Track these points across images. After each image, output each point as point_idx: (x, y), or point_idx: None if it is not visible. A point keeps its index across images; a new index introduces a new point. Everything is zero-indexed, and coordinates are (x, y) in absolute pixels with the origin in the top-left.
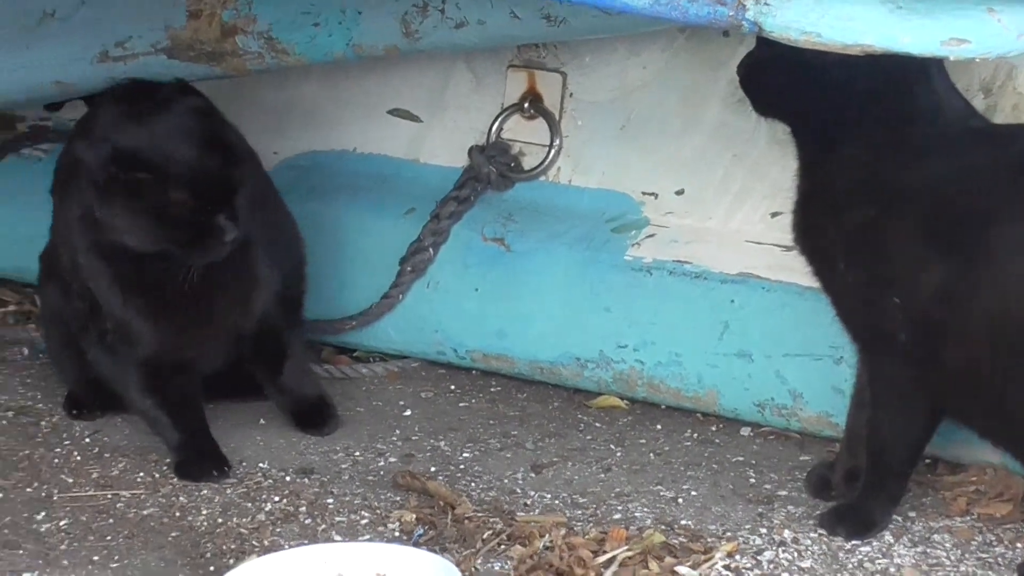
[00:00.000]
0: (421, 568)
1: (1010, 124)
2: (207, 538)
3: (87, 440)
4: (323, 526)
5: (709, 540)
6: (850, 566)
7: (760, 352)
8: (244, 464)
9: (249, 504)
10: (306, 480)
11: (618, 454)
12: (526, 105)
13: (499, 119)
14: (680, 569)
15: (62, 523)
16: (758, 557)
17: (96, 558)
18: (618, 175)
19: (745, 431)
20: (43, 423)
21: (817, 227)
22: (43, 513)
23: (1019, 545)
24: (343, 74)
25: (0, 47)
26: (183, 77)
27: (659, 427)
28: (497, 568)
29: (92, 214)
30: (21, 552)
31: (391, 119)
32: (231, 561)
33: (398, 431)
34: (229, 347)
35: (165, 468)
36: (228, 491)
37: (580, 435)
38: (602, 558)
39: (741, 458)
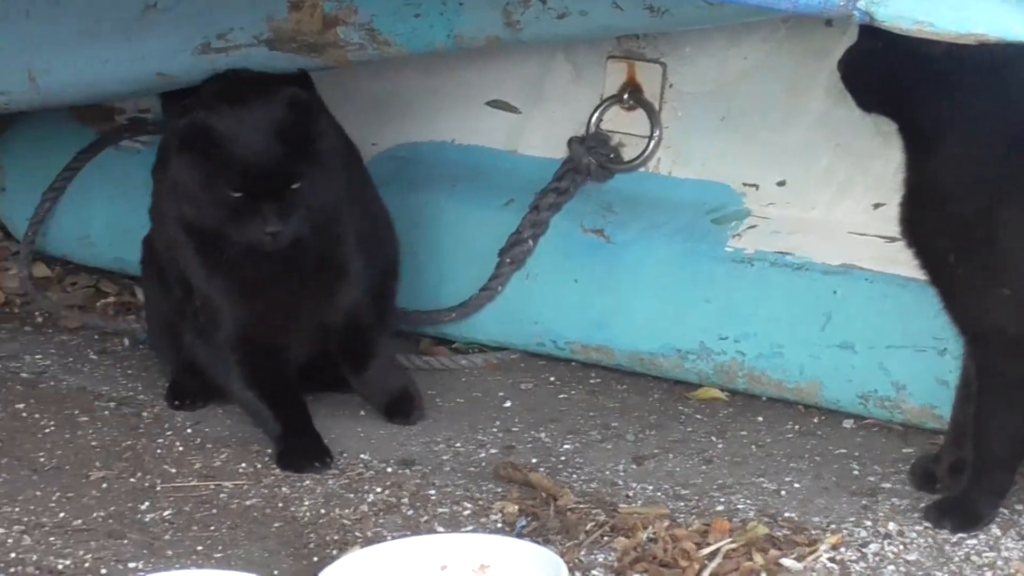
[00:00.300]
0: (525, 559)
1: None
2: (310, 529)
3: (189, 431)
4: (425, 517)
5: (813, 532)
6: (957, 559)
7: (863, 343)
8: (345, 455)
9: (351, 495)
10: (408, 471)
11: (719, 446)
12: (626, 96)
13: (599, 110)
14: (785, 561)
15: (166, 513)
16: (863, 550)
17: (200, 548)
18: (719, 166)
19: (847, 423)
20: (145, 414)
21: (926, 220)
22: (147, 503)
23: None
24: (441, 65)
25: (103, 39)
26: (285, 68)
27: (760, 419)
28: (601, 560)
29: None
30: (126, 542)
31: (490, 110)
32: (334, 552)
33: (498, 422)
34: (318, 339)
35: (267, 459)
36: (330, 482)
37: (681, 427)
38: (706, 550)
39: (844, 450)
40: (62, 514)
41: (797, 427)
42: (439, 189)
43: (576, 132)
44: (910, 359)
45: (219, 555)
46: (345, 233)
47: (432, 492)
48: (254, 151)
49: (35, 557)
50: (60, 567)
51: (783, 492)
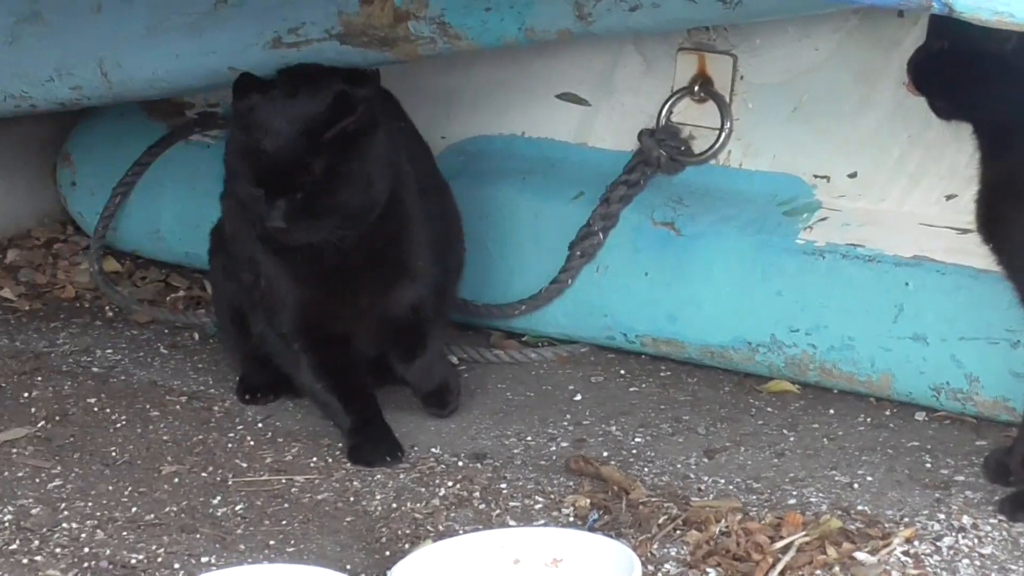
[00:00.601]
0: (598, 553)
1: None
2: (382, 523)
3: (260, 425)
4: (497, 511)
5: (887, 526)
6: None
7: (935, 335)
8: (416, 449)
9: (423, 489)
10: (479, 465)
11: (791, 439)
12: (696, 88)
13: (669, 102)
14: (858, 555)
15: (238, 507)
16: (937, 543)
17: (272, 543)
18: (790, 158)
19: (920, 415)
20: (215, 408)
21: (1003, 217)
22: (219, 497)
23: None
24: (510, 58)
25: (174, 33)
26: (356, 63)
27: (832, 412)
28: (673, 553)
29: None
30: (198, 536)
31: (559, 103)
32: (406, 546)
33: (569, 416)
34: (384, 332)
35: (338, 453)
36: (401, 476)
37: (752, 420)
38: (779, 544)
39: (916, 443)
40: (134, 509)
41: (869, 420)
42: (509, 182)
43: (646, 124)
44: (983, 351)
45: (291, 549)
46: (411, 231)
47: (503, 486)
48: (275, 145)
49: (108, 552)
50: (133, 562)
51: (856, 485)
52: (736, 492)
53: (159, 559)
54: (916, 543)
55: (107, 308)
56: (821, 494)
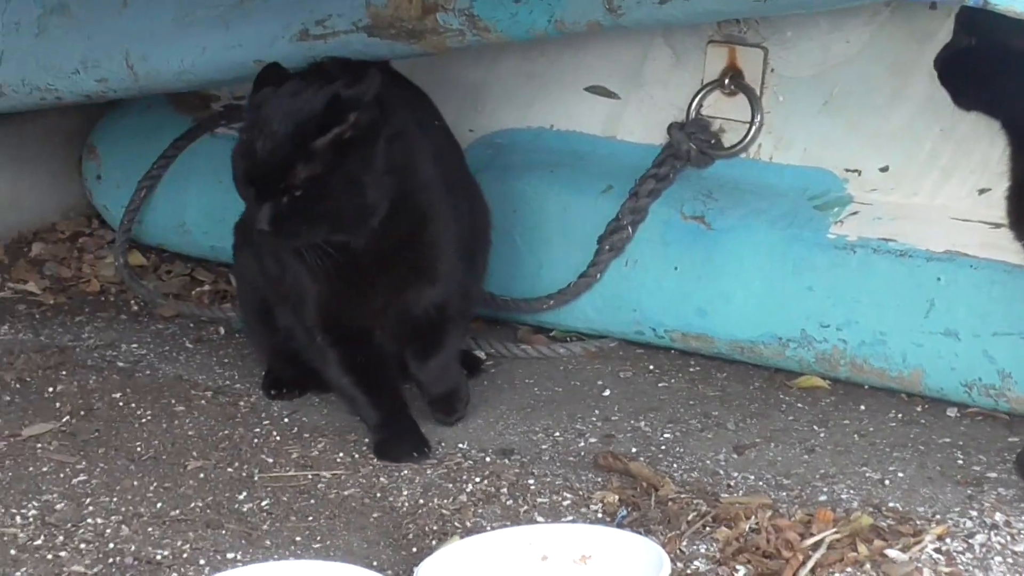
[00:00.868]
0: (627, 550)
1: None
2: (409, 519)
3: (286, 420)
4: (525, 507)
5: (918, 523)
6: None
7: (967, 331)
8: (443, 444)
9: (450, 485)
10: (506, 461)
11: (822, 435)
12: (726, 81)
13: (699, 95)
14: (890, 552)
15: (263, 503)
16: (970, 540)
17: (298, 539)
18: (821, 152)
19: (951, 412)
20: (241, 403)
21: None
22: (244, 493)
23: None
24: (539, 51)
25: (201, 26)
26: (384, 55)
27: (863, 407)
28: (703, 550)
29: None
30: (224, 532)
31: (588, 96)
32: (433, 542)
33: (597, 411)
34: (403, 329)
35: (364, 448)
36: (428, 472)
37: (782, 416)
38: (809, 541)
39: (948, 439)
40: (160, 504)
41: (900, 416)
42: (537, 175)
43: (676, 118)
44: (1016, 347)
45: (318, 545)
46: (432, 232)
47: (531, 482)
48: (265, 147)
49: (133, 547)
50: (158, 557)
51: (887, 482)
52: (766, 488)
53: (184, 555)
54: (948, 540)
55: (132, 302)
56: (852, 491)
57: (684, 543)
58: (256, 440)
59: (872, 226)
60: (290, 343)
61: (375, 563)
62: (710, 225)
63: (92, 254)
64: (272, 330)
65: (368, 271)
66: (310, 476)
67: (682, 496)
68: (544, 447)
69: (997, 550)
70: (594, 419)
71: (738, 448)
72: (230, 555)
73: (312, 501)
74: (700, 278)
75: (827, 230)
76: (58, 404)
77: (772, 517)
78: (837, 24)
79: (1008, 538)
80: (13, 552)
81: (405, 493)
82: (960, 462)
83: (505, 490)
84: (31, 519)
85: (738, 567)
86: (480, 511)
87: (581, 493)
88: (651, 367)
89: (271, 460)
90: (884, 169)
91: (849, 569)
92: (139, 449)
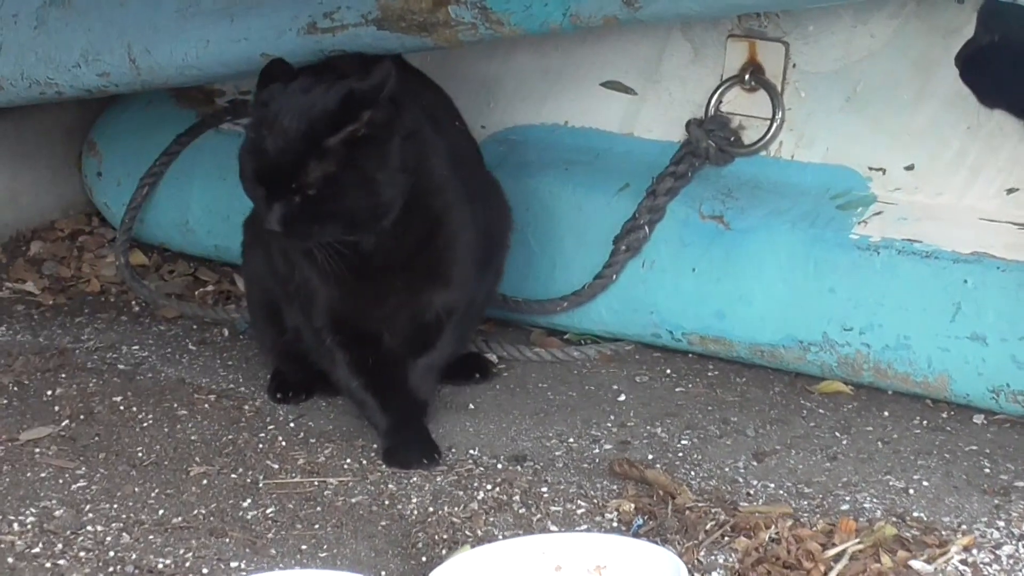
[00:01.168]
0: (643, 560)
1: None
2: (418, 527)
3: (291, 425)
4: (538, 515)
5: (944, 533)
6: None
7: (995, 335)
8: (454, 451)
9: (461, 492)
10: (519, 467)
11: (844, 442)
12: (747, 76)
13: (718, 91)
14: (914, 564)
15: (268, 510)
16: (997, 552)
17: (304, 547)
18: (844, 149)
19: (978, 418)
20: (246, 407)
21: None
22: (249, 500)
23: None
24: (553, 45)
25: (205, 18)
26: (394, 49)
27: (886, 414)
28: (721, 560)
29: None
30: (227, 540)
31: (604, 91)
32: (444, 551)
33: (612, 417)
34: (414, 332)
35: (372, 454)
36: (439, 479)
37: (803, 422)
38: (831, 551)
39: (975, 447)
40: (161, 511)
41: (925, 422)
42: (551, 173)
43: (695, 114)
44: None
45: (324, 554)
46: (444, 235)
47: (544, 489)
48: (276, 145)
49: (134, 556)
50: (160, 566)
51: (911, 491)
52: (787, 497)
53: (187, 563)
54: (974, 551)
55: (134, 303)
56: (875, 500)
57: (702, 553)
58: (261, 445)
59: (896, 226)
60: (298, 344)
61: (383, 573)
62: (729, 225)
63: (92, 253)
64: (280, 331)
65: (378, 273)
66: (316, 483)
67: (700, 505)
68: (558, 454)
69: None
70: (609, 425)
71: (758, 455)
72: (234, 564)
73: (319, 508)
74: (719, 279)
75: (850, 230)
76: (57, 408)
77: (793, 527)
78: (861, 18)
79: None
80: (11, 560)
81: (414, 500)
82: (987, 471)
83: (517, 498)
84: (29, 526)
85: None
86: (492, 519)
87: (596, 501)
88: (668, 371)
89: (276, 466)
90: (909, 167)
91: None
92: (140, 454)
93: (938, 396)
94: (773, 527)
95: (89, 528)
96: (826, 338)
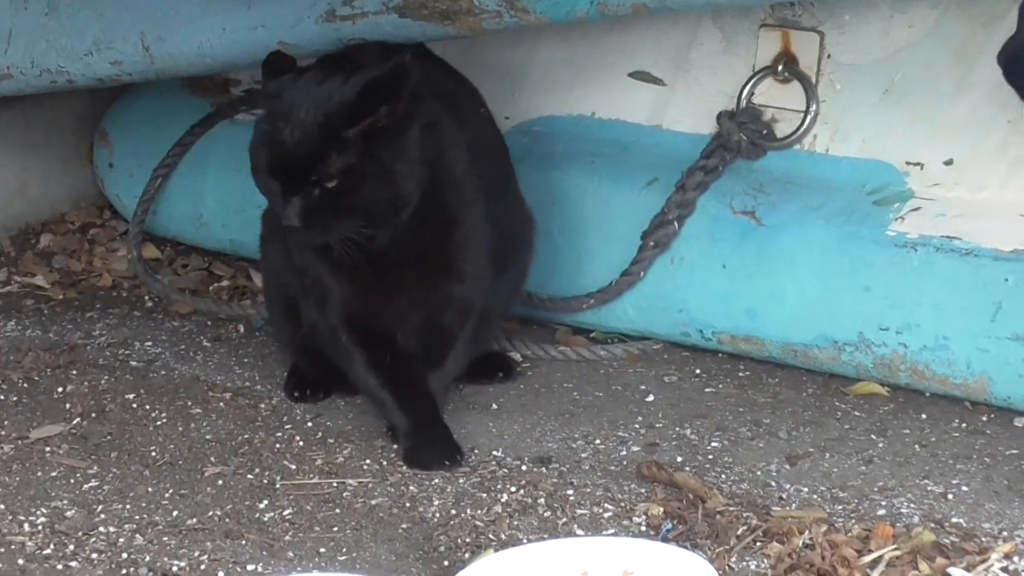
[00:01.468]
0: (672, 565)
1: None
2: (440, 530)
3: (309, 424)
4: (564, 519)
5: (984, 540)
6: None
7: None
8: (477, 452)
9: (484, 495)
10: (544, 469)
11: (880, 445)
12: (780, 67)
13: (750, 83)
14: (953, 571)
15: (286, 512)
16: None
17: (323, 550)
18: (880, 143)
19: (1019, 421)
20: (262, 406)
21: None
22: (265, 501)
23: None
24: (579, 34)
25: (221, 6)
26: (415, 37)
27: (924, 416)
28: (753, 567)
29: None
30: (244, 543)
31: (632, 82)
32: (466, 556)
33: (640, 418)
34: (428, 332)
35: (393, 455)
36: (461, 481)
37: (838, 424)
38: (867, 558)
39: (1015, 451)
40: (176, 512)
41: (964, 425)
42: (577, 166)
43: (726, 106)
44: None
45: (343, 558)
46: (458, 231)
47: (570, 492)
48: (294, 137)
49: (148, 558)
50: (174, 569)
51: (950, 495)
52: (821, 502)
53: (202, 566)
54: (1015, 559)
55: (146, 298)
56: (913, 505)
57: (733, 559)
58: (278, 445)
59: (935, 223)
60: (316, 340)
61: None
62: (761, 221)
63: (104, 246)
64: (297, 327)
65: (391, 270)
66: (335, 484)
67: (731, 509)
68: (584, 455)
69: None
70: (637, 426)
71: (791, 458)
72: (250, 567)
73: (337, 511)
74: (750, 277)
75: (886, 227)
76: (68, 405)
77: (827, 532)
78: (899, 7)
79: None
80: (21, 562)
81: (436, 503)
82: None
83: (542, 501)
84: (40, 527)
85: None
86: (516, 523)
87: (623, 505)
88: (698, 371)
89: (294, 467)
90: (948, 162)
91: None
92: (154, 454)
93: (977, 398)
94: (807, 532)
95: (101, 529)
96: (862, 338)
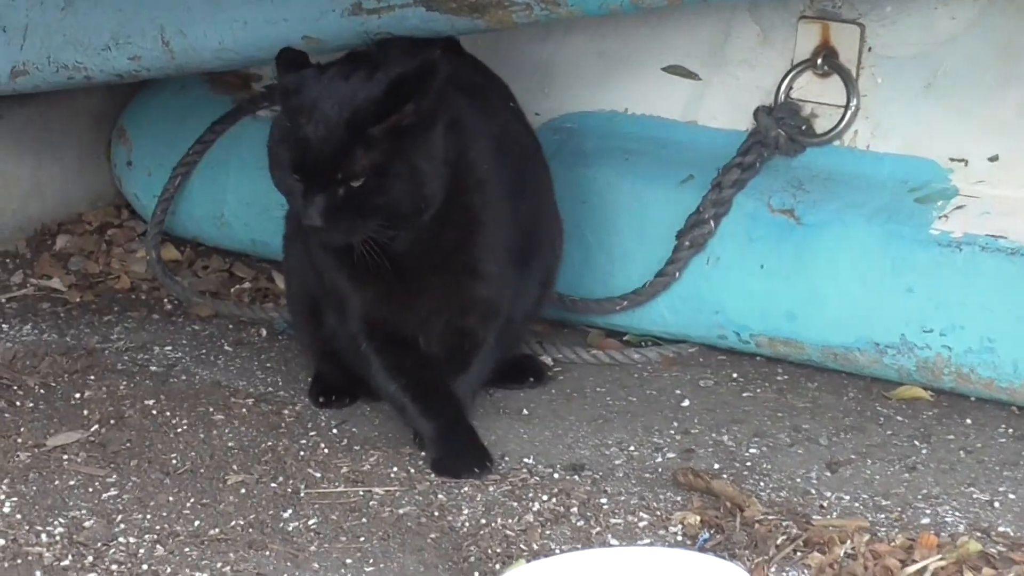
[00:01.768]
0: None
1: None
2: (470, 540)
3: (335, 431)
4: (597, 528)
5: None
6: None
7: None
8: (507, 459)
9: (515, 503)
10: (576, 477)
11: (923, 451)
12: (819, 61)
13: (788, 77)
14: None
15: (311, 522)
16: None
17: (349, 561)
18: (923, 139)
19: None
20: (286, 412)
21: None
22: (290, 511)
23: None
24: (611, 27)
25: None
26: (443, 31)
27: (969, 421)
28: None
29: None
30: (268, 553)
31: (666, 76)
32: (497, 566)
33: (676, 424)
34: (451, 336)
35: (421, 463)
36: (491, 489)
37: (880, 430)
38: (911, 568)
39: None
40: (197, 522)
41: (1011, 431)
42: (610, 164)
43: (763, 101)
44: None
45: (370, 568)
46: (481, 232)
47: (604, 500)
48: (319, 133)
49: (169, 569)
50: None
51: (996, 504)
52: (863, 510)
53: None
54: None
55: (166, 300)
56: (958, 513)
57: (773, 569)
58: (302, 452)
59: (980, 221)
60: (337, 344)
61: None
62: (800, 219)
63: (122, 248)
64: (321, 330)
65: (410, 273)
66: (361, 492)
67: (770, 518)
68: (618, 462)
69: None
70: (672, 432)
71: (831, 465)
72: None
73: (364, 520)
74: (789, 277)
75: (930, 225)
76: (86, 412)
77: (870, 542)
78: None
79: None
80: (39, 574)
81: (466, 512)
82: None
83: (575, 509)
84: (58, 537)
85: None
86: (548, 532)
87: (659, 513)
88: (734, 375)
89: (319, 475)
90: (993, 159)
91: None
92: (174, 462)
93: None
94: (849, 542)
95: (121, 539)
96: (904, 340)
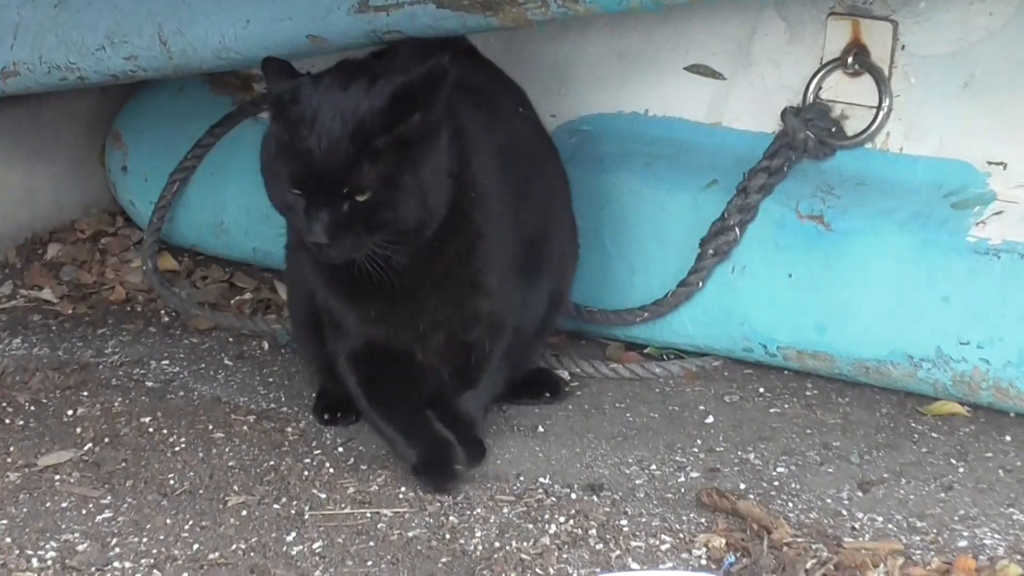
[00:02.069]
0: None
1: None
2: (483, 564)
3: (340, 449)
4: (617, 552)
5: None
6: None
7: None
8: (522, 479)
9: (530, 525)
10: (595, 498)
11: (960, 470)
12: (850, 59)
13: (817, 76)
14: None
15: (315, 545)
16: None
17: None
18: (959, 141)
19: None
20: (289, 429)
21: None
22: (293, 533)
23: None
24: (631, 25)
25: None
26: (454, 30)
27: (1008, 438)
28: None
29: None
30: None
31: (689, 76)
32: None
33: (699, 441)
34: (451, 355)
35: None
36: (505, 510)
37: (914, 447)
38: None
39: None
40: (196, 545)
41: None
42: (630, 168)
43: (791, 102)
44: None
45: None
46: (489, 245)
47: (624, 522)
48: (322, 146)
49: None
50: None
51: None
52: (896, 532)
53: None
54: None
55: (163, 312)
56: (997, 535)
57: None
58: (306, 472)
59: (1019, 228)
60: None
61: None
62: (830, 226)
63: (117, 257)
64: (326, 343)
65: (412, 287)
66: (369, 514)
67: (799, 540)
68: (638, 482)
69: None
70: (696, 450)
71: (863, 485)
72: None
73: (371, 543)
74: (818, 287)
75: (966, 232)
76: (79, 429)
77: (904, 565)
78: None
79: None
80: None
81: (479, 534)
82: None
83: (594, 532)
84: (49, 562)
85: None
86: (565, 556)
87: (682, 536)
88: (761, 390)
89: (324, 495)
90: None
91: None
92: (172, 482)
93: None
94: (882, 566)
95: (116, 564)
96: (939, 353)
